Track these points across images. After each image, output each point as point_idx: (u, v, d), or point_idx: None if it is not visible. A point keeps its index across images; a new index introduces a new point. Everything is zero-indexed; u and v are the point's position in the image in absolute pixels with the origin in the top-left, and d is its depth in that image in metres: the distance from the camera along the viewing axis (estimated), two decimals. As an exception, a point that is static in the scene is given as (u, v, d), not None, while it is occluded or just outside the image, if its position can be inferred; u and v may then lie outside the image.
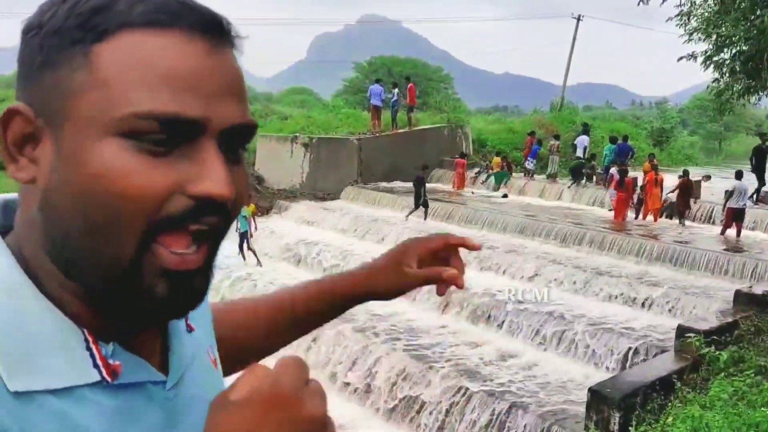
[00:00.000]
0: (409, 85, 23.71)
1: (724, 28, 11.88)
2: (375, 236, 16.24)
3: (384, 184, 21.32)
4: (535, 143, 22.88)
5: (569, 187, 21.10)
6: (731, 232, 14.94)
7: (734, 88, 12.86)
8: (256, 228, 16.32)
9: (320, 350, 10.99)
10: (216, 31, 0.67)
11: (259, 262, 15.23)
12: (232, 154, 0.68)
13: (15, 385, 0.62)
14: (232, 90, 0.67)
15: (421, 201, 17.36)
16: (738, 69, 12.20)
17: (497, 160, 22.23)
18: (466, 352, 10.47)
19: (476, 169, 22.77)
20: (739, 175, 15.42)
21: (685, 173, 17.27)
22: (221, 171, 0.65)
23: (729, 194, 14.94)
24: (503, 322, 11.19)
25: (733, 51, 12.28)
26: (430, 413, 9.23)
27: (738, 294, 9.68)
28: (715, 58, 12.50)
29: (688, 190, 16.71)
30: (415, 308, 12.34)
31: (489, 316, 11.42)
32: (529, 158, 22.46)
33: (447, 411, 9.06)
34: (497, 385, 9.24)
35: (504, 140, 27.24)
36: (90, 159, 0.62)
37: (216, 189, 0.64)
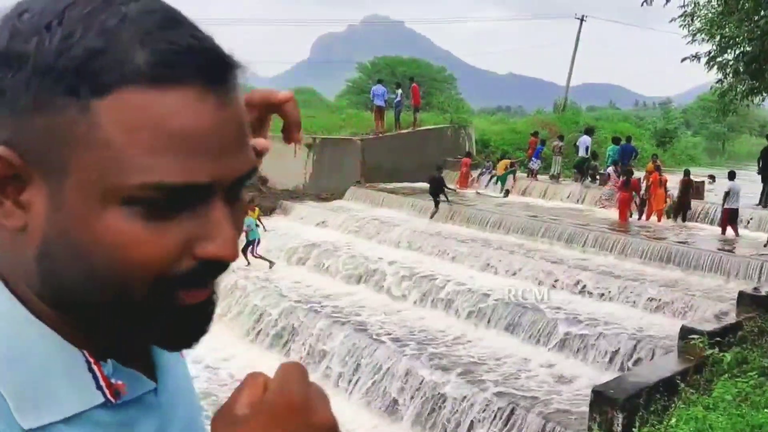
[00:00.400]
0: (412, 86, 23.68)
1: (727, 29, 11.86)
2: (379, 236, 16.24)
3: (387, 185, 21.31)
4: (538, 143, 22.84)
5: (576, 180, 21.25)
6: (730, 231, 15.06)
7: (738, 89, 12.84)
8: (264, 229, 16.24)
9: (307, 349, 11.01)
10: (225, 77, 0.63)
11: (271, 263, 15.06)
12: (234, 197, 0.66)
13: (29, 422, 0.61)
14: (239, 140, 0.64)
15: (439, 201, 17.60)
16: (742, 70, 12.18)
17: (504, 162, 22.11)
18: (469, 352, 10.47)
19: (480, 170, 22.74)
20: (732, 176, 15.59)
21: (686, 173, 17.37)
22: (229, 232, 0.63)
23: (726, 195, 15.10)
24: (505, 322, 11.18)
25: (737, 52, 12.25)
26: (428, 412, 9.23)
27: (742, 295, 9.67)
28: (719, 59, 12.47)
29: (688, 189, 16.79)
30: (419, 308, 12.36)
31: (491, 317, 11.41)
32: (533, 158, 22.42)
33: (450, 411, 9.06)
34: (500, 386, 9.24)
35: (507, 141, 27.23)
36: (95, 224, 0.60)
37: (224, 252, 0.63)
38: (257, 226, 15.27)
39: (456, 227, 16.43)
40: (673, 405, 7.40)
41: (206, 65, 0.61)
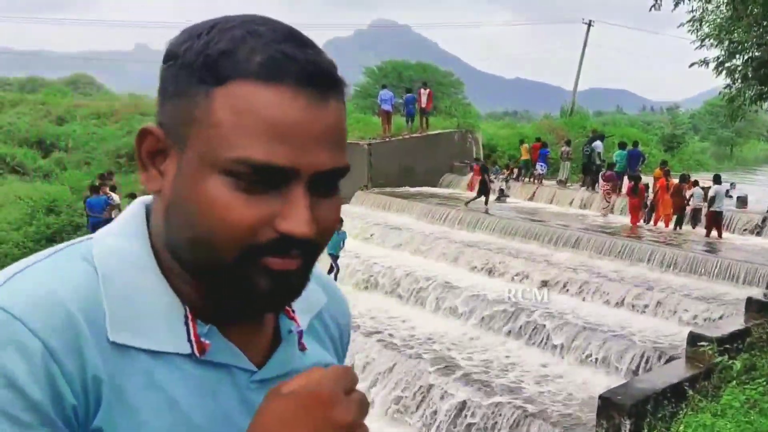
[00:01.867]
0: (427, 90, 23.60)
1: (736, 34, 11.87)
2: (387, 241, 16.23)
3: (395, 189, 21.30)
4: (541, 147, 22.80)
5: (582, 185, 21.40)
6: (716, 234, 15.37)
7: (746, 94, 12.84)
8: None
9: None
10: (320, 84, 0.75)
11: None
12: (324, 190, 0.78)
13: (115, 336, 0.75)
14: (326, 139, 0.75)
15: (483, 189, 18.56)
16: (750, 75, 12.18)
17: (525, 147, 23.13)
18: (475, 358, 10.46)
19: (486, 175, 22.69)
20: (717, 180, 15.82)
21: (682, 178, 17.50)
22: (304, 213, 0.74)
23: (712, 200, 15.29)
24: (512, 328, 11.16)
25: (746, 57, 12.27)
26: (437, 418, 9.22)
27: (750, 301, 9.62)
28: (728, 64, 12.48)
29: (679, 193, 16.77)
30: (425, 314, 12.35)
31: (498, 323, 11.39)
32: (539, 163, 22.37)
33: (455, 416, 9.05)
34: (507, 392, 9.22)
35: (514, 145, 27.21)
36: (198, 189, 0.74)
37: (297, 229, 0.74)
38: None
39: (462, 232, 16.39)
40: (681, 411, 7.37)
41: (304, 71, 0.74)
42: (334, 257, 13.89)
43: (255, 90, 0.73)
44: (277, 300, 0.79)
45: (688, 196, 16.52)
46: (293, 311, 0.92)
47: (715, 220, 15.34)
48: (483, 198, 18.58)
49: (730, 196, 16.26)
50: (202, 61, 0.74)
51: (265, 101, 0.72)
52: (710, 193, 15.49)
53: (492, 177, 22.31)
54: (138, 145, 0.79)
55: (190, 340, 0.79)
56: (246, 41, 0.74)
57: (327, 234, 0.79)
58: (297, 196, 0.74)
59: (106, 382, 0.73)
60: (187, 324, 0.80)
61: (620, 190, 19.02)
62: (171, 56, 0.77)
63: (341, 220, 12.48)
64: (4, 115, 29.65)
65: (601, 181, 19.07)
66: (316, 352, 0.95)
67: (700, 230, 15.96)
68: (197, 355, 0.79)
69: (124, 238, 0.82)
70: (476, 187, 21.58)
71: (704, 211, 15.97)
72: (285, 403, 0.72)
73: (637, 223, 16.62)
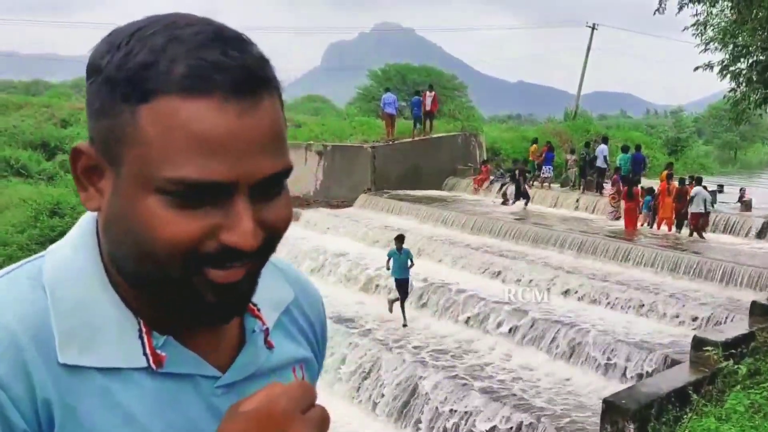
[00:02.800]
0: (432, 93, 23.59)
1: (740, 38, 11.87)
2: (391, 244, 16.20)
3: (398, 192, 21.30)
4: (548, 150, 22.77)
5: (575, 186, 21.73)
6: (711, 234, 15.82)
7: (751, 98, 12.82)
8: None
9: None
10: (249, 89, 0.72)
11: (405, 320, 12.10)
12: (268, 193, 0.75)
13: (65, 357, 0.73)
14: (263, 145, 0.72)
15: (521, 191, 18.93)
16: (755, 78, 12.17)
17: (534, 147, 23.20)
18: (480, 362, 10.44)
19: (491, 178, 22.72)
20: (699, 182, 16.43)
21: (681, 181, 17.48)
22: (247, 224, 0.72)
23: (690, 200, 15.80)
24: (517, 332, 11.14)
25: (750, 61, 12.25)
26: (442, 423, 9.20)
27: (754, 305, 9.59)
28: (732, 68, 12.47)
29: (683, 196, 16.79)
30: (431, 319, 12.33)
31: (502, 326, 11.37)
32: (545, 166, 22.34)
33: (460, 420, 9.03)
34: (510, 396, 9.20)
35: (518, 148, 27.20)
36: (136, 208, 0.72)
37: (241, 242, 0.72)
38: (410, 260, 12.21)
39: (465, 235, 16.37)
40: (685, 416, 7.34)
41: (230, 79, 0.70)
42: (403, 282, 12.03)
43: (181, 105, 0.69)
44: (226, 311, 0.78)
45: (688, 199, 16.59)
46: (258, 309, 0.90)
47: (693, 221, 15.83)
48: (522, 201, 18.98)
49: (713, 203, 16.46)
50: (123, 77, 0.71)
51: (193, 116, 0.69)
52: (691, 194, 15.99)
53: (494, 178, 22.33)
54: (72, 164, 0.77)
55: (145, 354, 0.77)
56: (166, 50, 0.70)
57: (277, 235, 0.77)
58: (238, 207, 0.72)
59: (57, 404, 0.71)
60: (141, 337, 0.78)
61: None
62: (93, 70, 0.74)
63: (403, 237, 12.25)
64: (9, 117, 29.73)
65: (608, 186, 19.00)
66: (286, 348, 0.93)
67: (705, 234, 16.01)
68: (154, 368, 0.77)
69: (73, 253, 0.80)
70: (483, 188, 21.64)
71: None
72: (240, 422, 0.70)
73: (633, 228, 16.56)
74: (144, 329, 0.78)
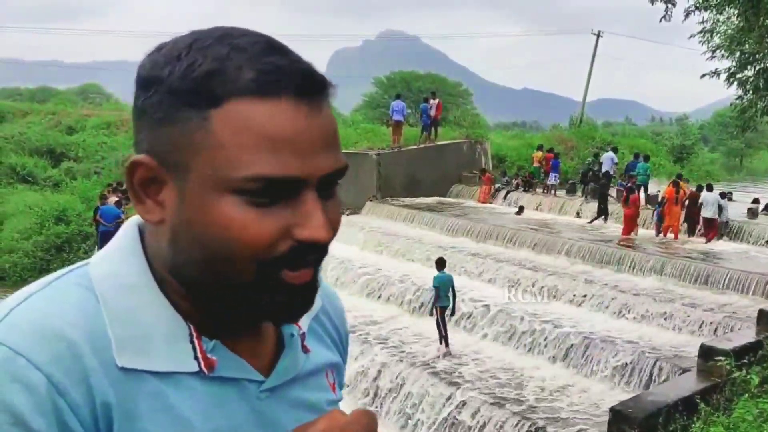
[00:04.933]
0: (436, 101, 23.59)
1: (747, 45, 11.85)
2: (397, 251, 16.19)
3: (404, 200, 21.30)
4: (553, 158, 22.76)
5: (579, 194, 21.74)
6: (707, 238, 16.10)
7: (758, 105, 12.79)
8: None
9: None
10: (315, 92, 0.76)
11: (447, 345, 11.16)
12: (327, 192, 0.78)
13: (123, 361, 0.75)
14: (327, 143, 0.77)
15: (601, 208, 18.49)
16: (762, 86, 12.14)
17: (538, 154, 23.02)
18: (486, 371, 10.41)
19: (497, 185, 22.71)
20: (709, 188, 16.76)
21: (698, 188, 17.80)
22: (321, 218, 0.75)
23: (700, 206, 16.23)
24: (523, 340, 11.11)
25: (757, 68, 12.23)
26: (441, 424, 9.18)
27: (762, 313, 9.54)
28: (739, 75, 12.46)
29: (695, 203, 16.97)
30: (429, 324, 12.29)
31: (509, 335, 11.34)
32: (551, 174, 22.33)
33: (468, 429, 9.00)
34: (516, 404, 9.17)
35: (523, 155, 27.18)
36: (210, 211, 0.74)
37: (318, 235, 0.75)
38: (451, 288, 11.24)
39: (470, 240, 16.35)
40: (692, 425, 7.30)
41: (300, 81, 0.75)
42: (443, 310, 11.13)
43: (254, 106, 0.73)
44: (295, 313, 0.81)
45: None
46: None
47: (707, 226, 16.12)
48: (602, 217, 18.56)
49: (721, 207, 16.55)
50: (190, 85, 0.73)
51: (266, 117, 0.73)
52: (699, 200, 16.31)
53: (500, 186, 22.30)
54: (129, 177, 0.78)
55: (197, 358, 0.79)
56: (231, 58, 0.73)
57: (335, 235, 0.80)
58: (311, 203, 0.75)
59: (116, 407, 0.73)
60: (192, 342, 0.80)
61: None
62: (153, 81, 0.76)
63: (443, 261, 11.45)
64: (15, 124, 29.85)
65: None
66: (320, 352, 0.96)
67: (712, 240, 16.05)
68: (205, 372, 0.79)
69: (120, 261, 0.81)
70: (488, 195, 21.60)
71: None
72: None
73: (627, 234, 16.54)
74: (195, 334, 0.80)
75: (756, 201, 22.10)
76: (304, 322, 0.94)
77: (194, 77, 0.73)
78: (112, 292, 0.78)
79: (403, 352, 11.13)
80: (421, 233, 17.46)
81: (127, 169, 0.78)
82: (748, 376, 7.74)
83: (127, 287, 0.79)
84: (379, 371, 10.64)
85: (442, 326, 11.05)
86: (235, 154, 0.72)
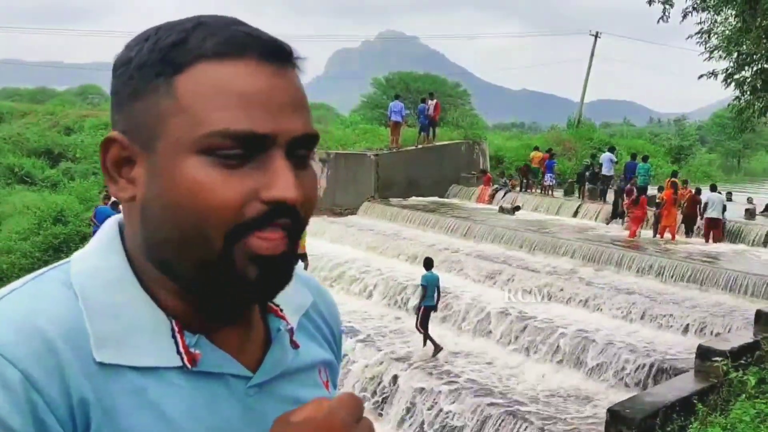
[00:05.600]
0: (434, 101, 23.61)
1: (745, 46, 11.86)
2: (395, 252, 16.18)
3: (402, 200, 21.31)
4: (549, 158, 22.80)
5: (576, 194, 21.85)
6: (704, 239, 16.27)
7: (755, 106, 12.80)
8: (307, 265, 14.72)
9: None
10: (280, 56, 0.77)
11: (436, 348, 11.02)
12: (299, 161, 0.78)
13: (101, 356, 0.73)
14: (296, 105, 0.77)
15: (618, 210, 18.36)
16: (759, 87, 12.15)
17: (536, 155, 23.03)
18: (483, 370, 10.41)
19: (494, 186, 22.74)
20: (713, 189, 16.89)
21: (698, 191, 17.82)
22: (289, 177, 0.74)
23: (704, 206, 16.37)
24: (519, 340, 11.11)
25: (755, 69, 12.24)
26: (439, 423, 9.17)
27: (759, 314, 9.55)
28: (737, 76, 12.46)
29: (694, 204, 17.08)
30: (431, 326, 12.28)
31: (505, 335, 11.34)
32: (547, 174, 22.37)
33: (462, 429, 9.00)
34: (515, 405, 9.17)
35: (521, 156, 27.21)
36: (177, 175, 0.73)
37: (286, 193, 0.74)
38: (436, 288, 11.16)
39: (470, 242, 16.35)
40: (690, 425, 7.30)
41: (261, 45, 0.76)
42: (429, 309, 11.12)
43: (218, 67, 0.74)
44: (268, 287, 0.79)
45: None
46: (281, 310, 0.91)
47: (711, 227, 16.20)
48: (619, 221, 18.46)
49: (725, 207, 16.74)
50: (156, 57, 0.75)
51: (231, 75, 0.73)
52: (703, 201, 16.47)
53: (498, 186, 22.33)
54: (103, 155, 0.79)
55: (179, 352, 0.78)
56: (196, 30, 0.75)
57: (309, 206, 0.79)
58: (278, 163, 0.74)
59: (93, 404, 0.72)
60: (174, 336, 0.78)
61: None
62: (122, 63, 0.78)
63: (431, 261, 11.44)
64: (14, 125, 29.83)
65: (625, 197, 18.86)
66: (311, 349, 0.95)
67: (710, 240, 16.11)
68: (188, 366, 0.78)
69: (100, 257, 0.81)
70: (488, 196, 21.59)
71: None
72: None
73: (634, 235, 16.57)
74: (177, 328, 0.79)
75: (750, 200, 22.21)
76: (293, 317, 0.92)
77: (159, 49, 0.75)
78: (92, 288, 0.77)
79: (393, 351, 11.12)
80: (417, 233, 17.46)
81: (101, 147, 0.79)
82: (745, 377, 7.74)
83: (107, 283, 0.78)
84: (378, 372, 10.63)
85: (423, 326, 10.99)
86: (200, 113, 0.72)
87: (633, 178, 19.17)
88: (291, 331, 0.90)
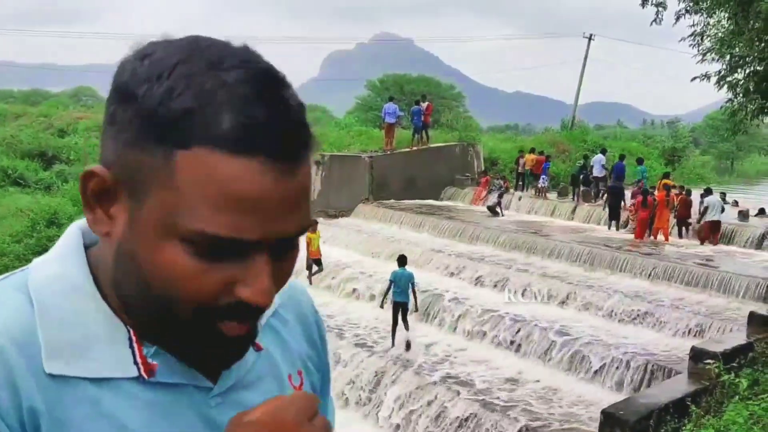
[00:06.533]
0: (426, 103, 23.66)
1: (738, 48, 11.89)
2: (389, 254, 16.17)
3: (396, 202, 21.32)
4: (544, 161, 22.85)
5: (571, 197, 21.80)
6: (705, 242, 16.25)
7: (748, 108, 12.84)
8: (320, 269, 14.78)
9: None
10: (293, 153, 0.71)
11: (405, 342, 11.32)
12: (285, 250, 0.75)
13: (51, 367, 0.72)
14: (293, 206, 0.72)
15: (614, 213, 18.19)
16: (752, 89, 12.18)
17: (530, 157, 22.94)
18: (477, 373, 10.41)
19: (489, 188, 22.74)
20: (708, 192, 17.17)
21: (688, 192, 17.95)
22: (265, 282, 0.71)
23: (704, 210, 16.40)
24: (514, 342, 11.12)
25: (747, 71, 12.27)
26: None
27: (752, 316, 9.57)
28: (729, 78, 12.49)
29: (687, 206, 17.18)
30: (427, 328, 12.29)
31: (498, 337, 11.35)
32: (542, 176, 22.41)
33: (453, 427, 9.00)
34: (509, 407, 9.17)
35: (515, 159, 27.24)
36: (156, 251, 0.70)
37: (259, 300, 0.72)
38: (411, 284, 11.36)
39: (463, 244, 16.36)
40: (683, 427, 7.31)
41: (275, 142, 0.69)
42: (403, 306, 11.33)
43: (222, 160, 0.67)
44: (225, 362, 0.79)
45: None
46: None
47: (713, 230, 16.21)
48: (615, 224, 18.29)
49: (723, 208, 16.84)
50: (163, 117, 0.68)
51: (233, 174, 0.67)
52: (704, 204, 16.52)
53: (492, 188, 22.33)
54: (83, 185, 0.74)
55: (136, 363, 0.76)
56: (212, 97, 0.68)
57: (280, 289, 0.77)
58: (260, 265, 0.71)
59: (44, 414, 0.71)
60: (132, 346, 0.77)
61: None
62: (128, 96, 0.71)
63: (405, 259, 11.57)
64: (7, 127, 29.76)
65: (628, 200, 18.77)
66: (277, 352, 0.92)
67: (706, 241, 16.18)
68: (145, 377, 0.76)
69: (60, 264, 0.79)
70: (484, 199, 21.58)
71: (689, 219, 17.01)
72: (248, 431, 0.71)
73: (642, 237, 16.60)
74: (134, 338, 0.77)
75: (735, 203, 22.34)
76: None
77: (169, 109, 0.68)
78: (49, 295, 0.76)
79: (385, 352, 11.11)
80: (412, 235, 17.47)
81: (82, 178, 0.74)
82: (737, 380, 7.76)
83: (65, 291, 0.76)
84: (370, 373, 10.63)
85: (402, 322, 11.23)
86: (191, 203, 0.68)
87: (641, 181, 19.19)
88: None
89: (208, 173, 0.67)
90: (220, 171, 0.67)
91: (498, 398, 9.45)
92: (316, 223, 15.48)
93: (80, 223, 0.83)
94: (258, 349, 0.88)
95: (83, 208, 0.76)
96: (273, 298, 0.73)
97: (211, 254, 0.70)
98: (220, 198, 0.68)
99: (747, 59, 11.96)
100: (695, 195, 17.82)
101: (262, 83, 0.71)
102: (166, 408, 0.77)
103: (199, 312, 0.72)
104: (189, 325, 0.73)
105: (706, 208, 16.35)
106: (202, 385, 0.80)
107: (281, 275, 0.75)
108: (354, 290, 14.29)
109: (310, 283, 14.04)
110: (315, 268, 14.47)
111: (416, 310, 11.58)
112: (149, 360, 0.77)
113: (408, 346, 11.17)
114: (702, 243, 16.18)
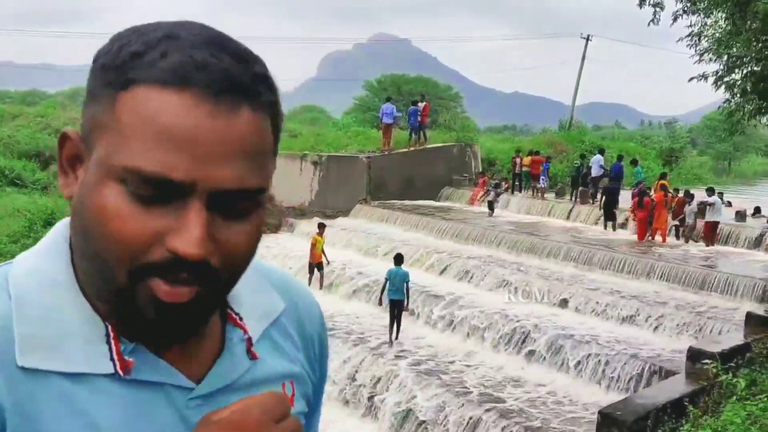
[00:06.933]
0: (423, 104, 23.67)
1: (735, 49, 11.90)
2: (386, 254, 16.17)
3: (394, 202, 21.32)
4: (544, 161, 22.86)
5: (569, 197, 21.82)
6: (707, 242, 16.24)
7: (746, 109, 12.84)
8: (327, 263, 14.99)
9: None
10: (231, 92, 0.68)
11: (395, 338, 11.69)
12: (233, 211, 0.70)
13: (24, 360, 0.70)
14: (232, 153, 0.68)
15: (609, 213, 18.18)
16: (749, 89, 12.18)
17: (528, 159, 22.92)
18: (475, 373, 10.41)
19: (487, 188, 22.74)
20: (712, 191, 16.94)
21: (686, 193, 17.96)
22: (195, 231, 0.67)
23: (706, 209, 16.33)
24: (510, 343, 11.12)
25: (745, 71, 12.28)
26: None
27: (749, 316, 9.59)
28: (727, 79, 12.49)
29: (683, 207, 17.21)
30: (426, 329, 12.29)
31: (496, 337, 11.35)
32: (542, 177, 22.41)
33: (457, 429, 9.00)
34: (507, 407, 9.17)
35: (511, 159, 27.25)
36: (94, 194, 0.69)
37: (187, 249, 0.67)
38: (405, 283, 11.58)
39: (461, 245, 16.36)
40: (681, 427, 7.32)
41: (209, 78, 0.67)
42: (399, 304, 11.60)
43: (157, 95, 0.67)
44: (168, 333, 0.73)
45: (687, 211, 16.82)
46: (240, 318, 0.85)
47: (712, 230, 16.22)
48: (611, 224, 18.27)
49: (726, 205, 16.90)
50: (112, 65, 0.70)
51: (164, 108, 0.66)
52: (710, 202, 16.34)
53: (489, 188, 22.35)
54: (59, 149, 0.75)
55: (112, 359, 0.73)
56: (159, 44, 0.68)
57: (234, 261, 0.72)
58: (193, 213, 0.67)
59: (10, 410, 0.69)
60: (109, 342, 0.74)
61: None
62: (93, 61, 0.73)
63: (401, 257, 11.81)
64: (4, 127, 29.69)
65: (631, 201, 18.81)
66: (273, 362, 0.87)
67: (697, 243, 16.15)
68: (121, 374, 0.73)
69: (42, 258, 0.78)
70: (480, 199, 21.57)
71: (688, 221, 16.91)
72: (212, 431, 0.70)
73: (643, 238, 16.59)
74: (111, 334, 0.74)
75: (729, 204, 22.35)
76: (256, 327, 0.86)
77: (121, 56, 0.69)
78: (27, 289, 0.74)
79: (382, 352, 11.11)
80: (409, 235, 17.48)
81: (58, 141, 0.75)
82: (735, 380, 7.76)
83: (44, 285, 0.75)
84: (368, 372, 10.62)
85: (396, 319, 11.57)
86: (125, 140, 0.67)
87: (642, 183, 19.18)
88: (249, 341, 0.85)
89: (141, 109, 0.67)
90: (152, 105, 0.67)
91: (497, 398, 9.45)
92: (324, 226, 15.52)
93: (68, 219, 0.80)
94: (253, 357, 0.84)
95: (59, 173, 0.76)
96: (208, 251, 0.68)
97: (144, 197, 0.67)
98: (149, 132, 0.66)
99: (744, 59, 11.97)
100: (698, 195, 17.71)
101: (216, 38, 0.71)
102: (142, 406, 0.74)
103: (134, 266, 0.68)
104: (126, 285, 0.69)
105: (711, 205, 16.24)
106: (182, 385, 0.77)
107: (230, 240, 0.71)
108: (352, 290, 14.28)
109: (308, 284, 13.99)
110: (316, 272, 14.57)
111: (407, 309, 11.78)
112: (126, 357, 0.74)
113: (391, 342, 11.48)
114: (707, 244, 16.08)
